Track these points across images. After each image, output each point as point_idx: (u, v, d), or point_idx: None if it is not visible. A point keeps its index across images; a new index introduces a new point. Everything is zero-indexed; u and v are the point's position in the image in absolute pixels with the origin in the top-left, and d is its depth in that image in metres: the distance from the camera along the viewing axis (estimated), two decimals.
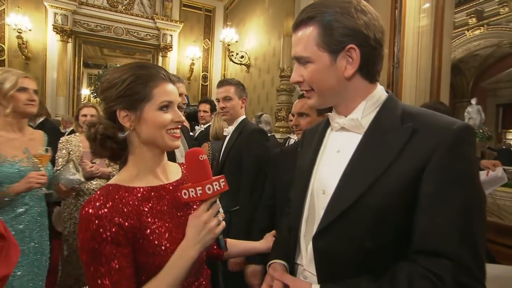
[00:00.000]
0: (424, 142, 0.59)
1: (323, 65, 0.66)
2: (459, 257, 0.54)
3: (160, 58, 6.23)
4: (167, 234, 0.70)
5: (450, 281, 0.53)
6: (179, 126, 0.76)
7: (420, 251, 0.58)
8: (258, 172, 1.60)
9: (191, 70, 6.53)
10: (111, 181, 0.73)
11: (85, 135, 0.77)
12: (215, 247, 0.89)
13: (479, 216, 0.56)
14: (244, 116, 1.80)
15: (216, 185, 0.69)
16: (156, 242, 0.68)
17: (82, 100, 6.26)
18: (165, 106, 0.73)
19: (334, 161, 0.72)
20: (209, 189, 0.68)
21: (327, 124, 0.81)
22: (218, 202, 0.73)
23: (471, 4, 6.27)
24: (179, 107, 0.79)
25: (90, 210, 0.63)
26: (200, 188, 0.68)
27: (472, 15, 6.36)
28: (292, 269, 0.78)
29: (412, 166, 0.59)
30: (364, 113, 0.68)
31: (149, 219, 0.69)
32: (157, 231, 0.69)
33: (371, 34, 0.65)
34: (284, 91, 4.07)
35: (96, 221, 0.62)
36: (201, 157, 0.69)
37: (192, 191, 0.68)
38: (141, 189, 0.72)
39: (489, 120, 6.90)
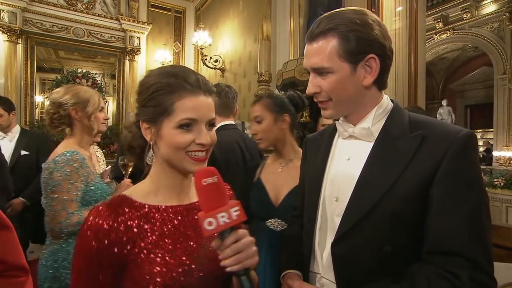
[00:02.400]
0: (433, 149, 0.66)
1: (343, 75, 0.71)
2: (473, 256, 0.61)
3: (127, 62, 6.04)
4: (163, 265, 0.63)
5: (466, 278, 0.59)
6: (204, 149, 0.68)
7: (434, 252, 0.65)
8: None
9: None
10: (126, 192, 0.71)
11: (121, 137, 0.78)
12: None
13: (486, 216, 0.64)
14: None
15: (223, 217, 0.57)
16: (148, 270, 0.62)
17: (36, 107, 5.86)
18: (187, 125, 0.65)
19: (345, 168, 0.78)
20: (210, 223, 0.56)
21: (333, 132, 0.87)
22: (238, 230, 0.60)
23: (437, 9, 6.87)
24: (211, 124, 0.71)
25: (90, 215, 0.64)
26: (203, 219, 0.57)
27: (439, 20, 6.96)
28: (307, 278, 0.83)
29: (424, 171, 0.66)
30: (373, 121, 0.75)
31: (145, 244, 0.63)
32: (151, 258, 0.63)
33: (387, 44, 0.72)
34: None
35: (87, 232, 0.62)
36: (205, 182, 0.58)
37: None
38: (147, 207, 0.68)
39: (458, 121, 7.54)
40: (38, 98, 6.04)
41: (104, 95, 5.65)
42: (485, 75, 7.17)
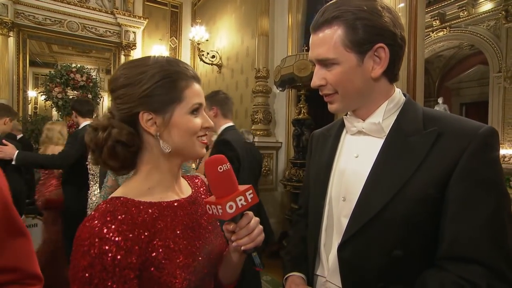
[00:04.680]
0: (450, 147, 0.61)
1: (349, 66, 0.66)
2: (492, 263, 0.56)
3: (122, 57, 5.92)
4: (181, 260, 0.63)
5: (485, 287, 0.54)
6: (207, 133, 0.71)
7: (449, 258, 0.60)
8: None
9: None
10: (117, 194, 0.64)
11: (90, 140, 0.65)
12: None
13: (509, 220, 0.59)
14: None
15: (240, 200, 0.62)
16: (169, 270, 0.60)
17: (28, 103, 5.73)
18: (196, 110, 0.67)
19: (353, 166, 0.73)
20: (231, 207, 0.61)
21: (341, 127, 0.82)
22: (248, 212, 0.66)
23: (435, 7, 6.84)
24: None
25: (92, 230, 0.54)
26: (220, 207, 0.61)
27: (436, 18, 6.94)
28: (311, 281, 0.78)
29: (439, 171, 0.61)
30: (384, 116, 0.70)
31: (162, 243, 0.62)
32: (170, 257, 0.61)
33: (398, 32, 0.66)
34: (260, 93, 4.08)
35: (98, 245, 0.53)
36: (221, 168, 0.62)
37: (214, 208, 0.62)
38: (155, 206, 0.65)
39: None
40: (31, 93, 5.92)
41: (99, 91, 5.55)
42: (480, 73, 7.17)
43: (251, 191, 0.65)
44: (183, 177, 0.83)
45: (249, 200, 0.64)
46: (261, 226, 0.68)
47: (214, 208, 0.62)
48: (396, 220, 0.63)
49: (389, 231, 0.64)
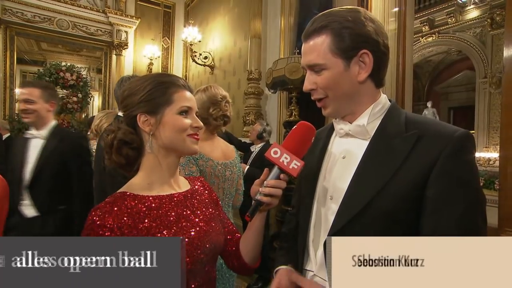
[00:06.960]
0: (428, 149, 0.66)
1: (337, 71, 0.72)
2: None
3: (114, 57, 5.89)
4: None
5: None
6: (198, 132, 0.82)
7: None
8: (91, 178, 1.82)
9: (150, 70, 6.27)
10: (122, 189, 0.77)
11: (104, 143, 0.80)
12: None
13: (481, 217, 0.64)
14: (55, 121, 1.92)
15: (298, 163, 0.74)
16: None
17: (16, 101, 5.63)
18: (184, 112, 0.79)
19: (341, 166, 0.78)
20: (285, 159, 0.74)
21: (330, 130, 0.87)
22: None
23: (424, 13, 7.04)
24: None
25: (94, 218, 0.67)
26: (295, 159, 0.74)
27: (425, 23, 7.14)
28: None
29: (418, 171, 0.66)
30: (369, 119, 0.75)
31: (156, 230, 0.72)
32: None
33: (381, 40, 0.73)
34: (252, 95, 4.13)
35: (96, 230, 0.66)
36: (305, 132, 0.78)
37: (285, 158, 0.74)
38: (150, 198, 0.76)
39: None
40: (19, 91, 5.82)
41: (89, 90, 5.51)
42: (467, 79, 7.39)
43: (302, 164, 0.75)
44: (185, 178, 0.94)
45: (295, 167, 0.74)
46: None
47: (286, 157, 0.75)
48: (379, 216, 0.67)
49: (372, 226, 0.68)
